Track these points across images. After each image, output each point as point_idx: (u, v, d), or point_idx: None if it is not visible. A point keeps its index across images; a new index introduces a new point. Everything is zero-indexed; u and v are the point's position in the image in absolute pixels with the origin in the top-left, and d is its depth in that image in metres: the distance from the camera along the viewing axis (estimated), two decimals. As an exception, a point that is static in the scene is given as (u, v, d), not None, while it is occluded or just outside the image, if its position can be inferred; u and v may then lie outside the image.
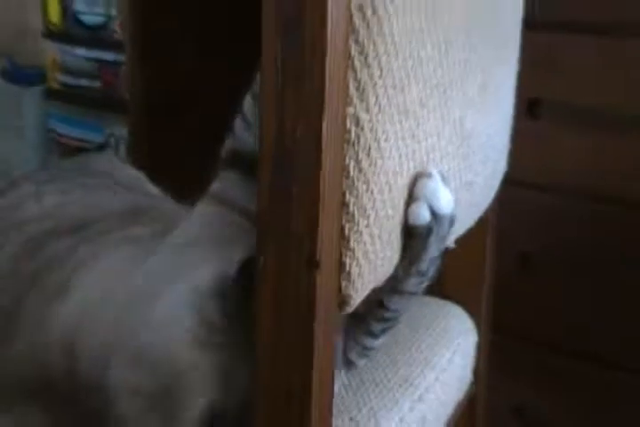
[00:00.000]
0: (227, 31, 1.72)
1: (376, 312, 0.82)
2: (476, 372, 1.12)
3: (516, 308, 1.51)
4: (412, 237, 0.74)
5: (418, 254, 0.75)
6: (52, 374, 0.80)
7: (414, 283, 0.78)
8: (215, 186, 0.88)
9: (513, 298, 1.49)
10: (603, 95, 1.38)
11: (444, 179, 0.75)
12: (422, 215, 0.73)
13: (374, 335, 0.85)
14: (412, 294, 0.80)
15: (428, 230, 0.74)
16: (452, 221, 0.76)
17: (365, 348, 0.87)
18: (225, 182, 0.87)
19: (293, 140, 0.63)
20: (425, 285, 0.80)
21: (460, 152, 0.82)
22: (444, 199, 0.74)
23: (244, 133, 0.84)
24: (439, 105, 0.76)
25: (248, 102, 0.83)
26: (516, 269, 1.49)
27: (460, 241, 0.86)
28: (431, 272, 0.79)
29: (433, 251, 0.75)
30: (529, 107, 1.39)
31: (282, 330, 0.66)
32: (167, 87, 1.71)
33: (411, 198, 0.73)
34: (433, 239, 0.74)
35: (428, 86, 0.74)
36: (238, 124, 0.85)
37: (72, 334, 0.79)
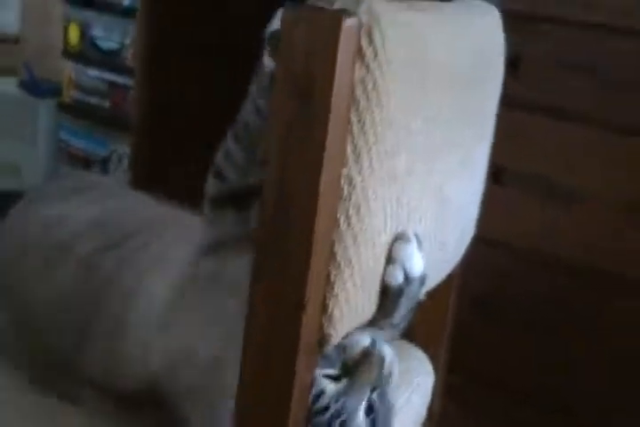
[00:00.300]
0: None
1: None
2: (430, 409, 1.10)
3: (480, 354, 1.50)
4: (386, 295, 0.75)
5: (390, 311, 0.76)
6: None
7: (388, 333, 0.79)
8: (217, 233, 0.84)
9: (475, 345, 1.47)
10: (563, 171, 1.38)
11: (419, 242, 0.76)
12: (397, 276, 0.74)
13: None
14: (386, 342, 0.80)
15: (400, 291, 0.75)
16: (422, 282, 0.77)
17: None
18: (223, 225, 0.83)
19: (293, 196, 0.64)
20: (398, 335, 0.82)
21: (438, 216, 0.84)
22: (417, 264, 0.75)
23: (228, 171, 0.81)
24: (423, 173, 0.78)
25: (231, 140, 0.79)
26: (475, 316, 1.47)
27: (429, 293, 0.86)
28: (403, 325, 0.80)
29: (404, 308, 0.76)
30: (494, 173, 1.38)
31: (268, 358, 0.66)
32: (168, 111, 1.71)
33: (389, 258, 0.74)
34: (404, 299, 0.75)
35: (415, 155, 0.75)
36: (221, 160, 0.81)
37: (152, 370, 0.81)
